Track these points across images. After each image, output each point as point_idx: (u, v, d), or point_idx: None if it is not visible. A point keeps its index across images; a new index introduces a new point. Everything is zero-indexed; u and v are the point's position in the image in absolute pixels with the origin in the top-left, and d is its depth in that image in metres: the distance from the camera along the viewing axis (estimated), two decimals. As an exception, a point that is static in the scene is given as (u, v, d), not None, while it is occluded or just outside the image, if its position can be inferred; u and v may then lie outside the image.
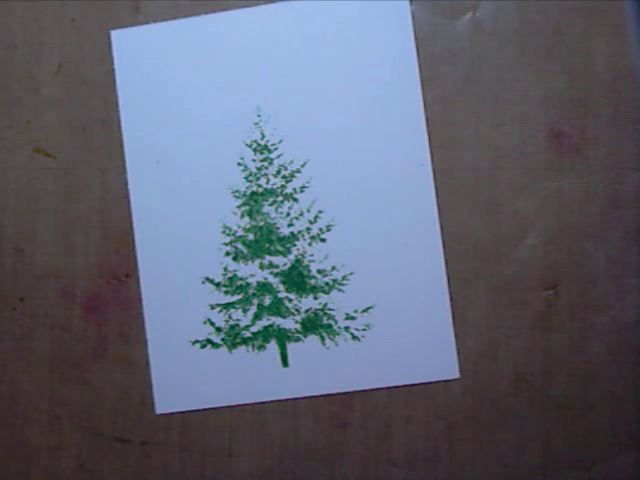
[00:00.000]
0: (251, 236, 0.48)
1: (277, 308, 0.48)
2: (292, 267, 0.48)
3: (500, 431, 0.46)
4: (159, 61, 0.48)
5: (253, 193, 0.48)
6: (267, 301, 0.48)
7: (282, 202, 0.48)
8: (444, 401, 0.47)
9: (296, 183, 0.48)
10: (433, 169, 0.47)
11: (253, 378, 0.47)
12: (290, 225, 0.48)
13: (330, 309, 0.47)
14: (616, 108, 0.46)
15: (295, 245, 0.48)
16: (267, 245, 0.48)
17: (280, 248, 0.48)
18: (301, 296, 0.47)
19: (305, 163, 0.47)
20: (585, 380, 0.46)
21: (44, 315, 0.48)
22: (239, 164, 0.48)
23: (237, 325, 0.47)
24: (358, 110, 0.47)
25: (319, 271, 0.47)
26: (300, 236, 0.48)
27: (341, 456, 0.47)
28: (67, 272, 0.48)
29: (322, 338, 0.47)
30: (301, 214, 0.48)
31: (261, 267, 0.48)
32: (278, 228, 0.48)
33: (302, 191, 0.47)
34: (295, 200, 0.48)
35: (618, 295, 0.46)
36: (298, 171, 0.47)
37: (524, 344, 0.46)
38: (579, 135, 0.46)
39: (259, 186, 0.48)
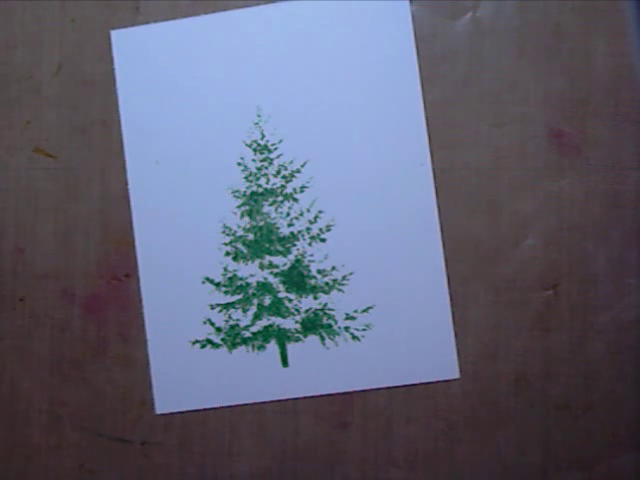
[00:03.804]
0: (251, 236, 0.48)
1: (277, 308, 0.48)
2: (292, 267, 0.48)
3: (500, 431, 0.46)
4: (159, 61, 0.48)
5: (253, 193, 0.48)
6: (267, 301, 0.48)
7: (282, 202, 0.48)
8: (444, 401, 0.47)
9: (296, 183, 0.48)
10: (433, 169, 0.47)
11: (253, 378, 0.47)
12: (290, 225, 0.48)
13: (330, 309, 0.47)
14: (616, 108, 0.46)
15: (295, 245, 0.48)
16: (267, 245, 0.48)
17: (280, 248, 0.48)
18: (301, 296, 0.47)
19: (305, 163, 0.47)
20: (585, 380, 0.46)
21: (44, 315, 0.48)
22: (239, 164, 0.48)
23: (237, 325, 0.47)
24: (358, 110, 0.47)
25: (319, 271, 0.47)
26: (300, 236, 0.48)
27: (341, 456, 0.47)
28: (67, 272, 0.48)
29: (322, 338, 0.47)
30: (301, 214, 0.48)
31: (261, 267, 0.48)
32: (278, 228, 0.48)
33: (302, 191, 0.47)
34: (295, 200, 0.48)
35: (618, 295, 0.46)
36: (298, 171, 0.47)
37: (524, 344, 0.46)
38: (579, 135, 0.46)
39: (259, 186, 0.48)
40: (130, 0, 0.48)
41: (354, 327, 0.47)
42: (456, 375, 0.46)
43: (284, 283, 0.48)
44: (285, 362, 0.47)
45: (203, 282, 0.48)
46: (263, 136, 0.48)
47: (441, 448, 0.47)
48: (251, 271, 0.48)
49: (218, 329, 0.47)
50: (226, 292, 0.48)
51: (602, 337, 0.46)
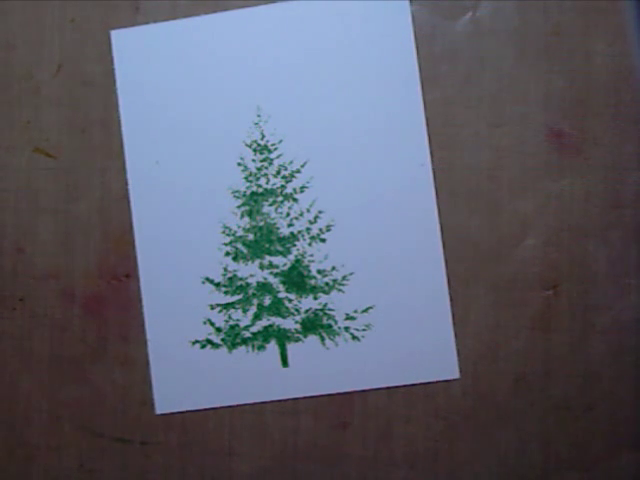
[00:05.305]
0: (251, 236, 0.48)
1: (277, 308, 0.48)
2: (292, 267, 0.48)
3: (500, 431, 0.46)
4: (159, 61, 0.48)
5: (253, 193, 0.48)
6: (267, 301, 0.48)
7: (282, 202, 0.48)
8: (444, 401, 0.47)
9: (296, 183, 0.48)
10: (433, 169, 0.47)
11: (253, 378, 0.47)
12: (290, 225, 0.48)
13: (330, 309, 0.47)
14: (616, 108, 0.46)
15: (295, 245, 0.48)
16: (267, 245, 0.48)
17: (280, 248, 0.48)
18: (301, 296, 0.47)
19: (305, 163, 0.47)
20: (585, 380, 0.46)
21: (44, 315, 0.48)
22: (239, 164, 0.48)
23: (237, 325, 0.47)
24: (358, 110, 0.47)
25: (319, 271, 0.47)
26: (300, 236, 0.48)
27: (341, 456, 0.47)
28: (67, 272, 0.48)
29: (322, 338, 0.47)
30: (301, 214, 0.48)
31: (261, 267, 0.48)
32: (278, 228, 0.48)
33: (302, 191, 0.47)
34: (295, 200, 0.48)
35: (618, 295, 0.46)
36: (298, 171, 0.47)
37: (524, 344, 0.46)
38: (579, 135, 0.46)
39: (259, 186, 0.48)
40: (130, 0, 0.48)
41: (354, 327, 0.47)
42: (456, 375, 0.46)
43: (284, 283, 0.48)
44: (285, 362, 0.47)
45: (203, 282, 0.48)
46: (263, 136, 0.48)
47: (441, 448, 0.47)
48: (251, 271, 0.48)
49: (218, 329, 0.47)
50: (226, 292, 0.48)
51: (602, 337, 0.46)
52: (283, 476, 0.47)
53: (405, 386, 0.47)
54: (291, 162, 0.47)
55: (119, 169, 0.48)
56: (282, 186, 0.48)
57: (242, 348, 0.47)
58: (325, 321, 0.47)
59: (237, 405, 0.47)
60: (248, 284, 0.48)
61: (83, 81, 0.48)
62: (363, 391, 0.47)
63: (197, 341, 0.47)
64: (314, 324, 0.47)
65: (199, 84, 0.48)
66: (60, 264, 0.48)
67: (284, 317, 0.47)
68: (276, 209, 0.48)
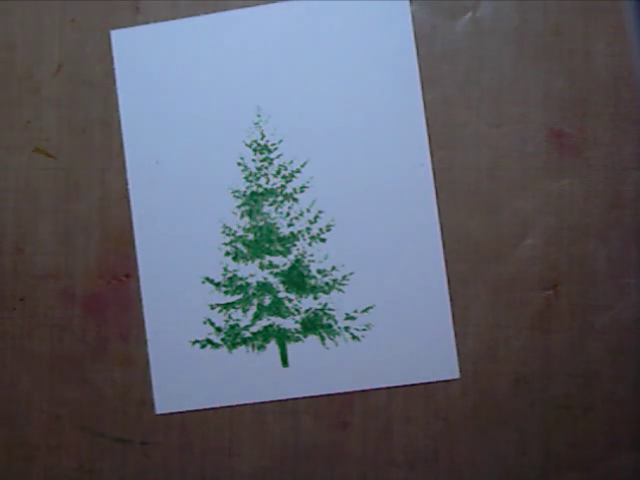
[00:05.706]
0: (251, 236, 0.48)
1: (277, 308, 0.48)
2: (292, 267, 0.48)
3: (500, 431, 0.46)
4: (159, 61, 0.48)
5: (253, 193, 0.48)
6: (267, 301, 0.48)
7: (282, 202, 0.48)
8: (444, 401, 0.47)
9: (296, 183, 0.48)
10: (433, 169, 0.47)
11: (253, 378, 0.47)
12: (290, 225, 0.48)
13: (330, 309, 0.47)
14: (616, 108, 0.46)
15: (295, 245, 0.48)
16: (267, 245, 0.48)
17: (280, 248, 0.48)
18: (301, 296, 0.47)
19: (305, 163, 0.47)
20: (585, 380, 0.46)
21: (44, 315, 0.48)
22: (239, 164, 0.48)
23: (237, 325, 0.48)
24: (358, 110, 0.47)
25: (319, 271, 0.47)
26: (300, 236, 0.48)
27: (341, 456, 0.47)
28: (67, 272, 0.48)
29: (322, 338, 0.47)
30: (301, 214, 0.48)
31: (261, 267, 0.48)
32: (278, 228, 0.48)
33: (302, 191, 0.47)
34: (295, 200, 0.48)
35: (618, 295, 0.46)
36: (298, 171, 0.47)
37: (524, 344, 0.46)
38: (579, 135, 0.46)
39: (259, 186, 0.48)
40: (130, 0, 0.48)
41: (354, 327, 0.47)
42: (456, 375, 0.46)
43: (284, 283, 0.48)
44: (285, 362, 0.47)
45: (203, 282, 0.48)
46: (263, 136, 0.48)
47: (441, 448, 0.47)
48: (251, 271, 0.48)
49: (218, 329, 0.47)
50: (226, 292, 0.48)
51: (602, 337, 0.46)
52: (283, 476, 0.47)
53: (405, 386, 0.47)
54: (291, 162, 0.47)
55: (119, 169, 0.48)
56: (282, 186, 0.48)
57: (242, 348, 0.47)
58: (325, 321, 0.47)
59: (237, 405, 0.47)
60: (248, 284, 0.48)
61: (83, 81, 0.48)
62: (363, 391, 0.47)
63: (197, 341, 0.47)
64: (314, 324, 0.47)
65: (199, 84, 0.48)
66: (60, 264, 0.48)
67: (284, 317, 0.47)
68: (276, 209, 0.48)
